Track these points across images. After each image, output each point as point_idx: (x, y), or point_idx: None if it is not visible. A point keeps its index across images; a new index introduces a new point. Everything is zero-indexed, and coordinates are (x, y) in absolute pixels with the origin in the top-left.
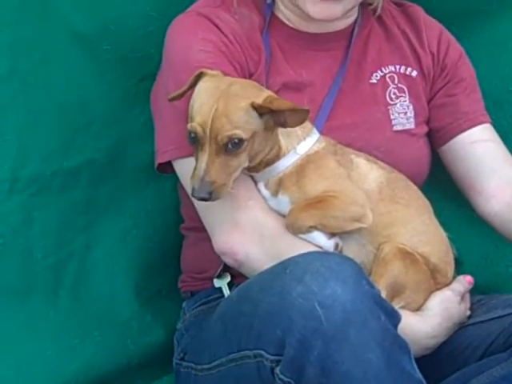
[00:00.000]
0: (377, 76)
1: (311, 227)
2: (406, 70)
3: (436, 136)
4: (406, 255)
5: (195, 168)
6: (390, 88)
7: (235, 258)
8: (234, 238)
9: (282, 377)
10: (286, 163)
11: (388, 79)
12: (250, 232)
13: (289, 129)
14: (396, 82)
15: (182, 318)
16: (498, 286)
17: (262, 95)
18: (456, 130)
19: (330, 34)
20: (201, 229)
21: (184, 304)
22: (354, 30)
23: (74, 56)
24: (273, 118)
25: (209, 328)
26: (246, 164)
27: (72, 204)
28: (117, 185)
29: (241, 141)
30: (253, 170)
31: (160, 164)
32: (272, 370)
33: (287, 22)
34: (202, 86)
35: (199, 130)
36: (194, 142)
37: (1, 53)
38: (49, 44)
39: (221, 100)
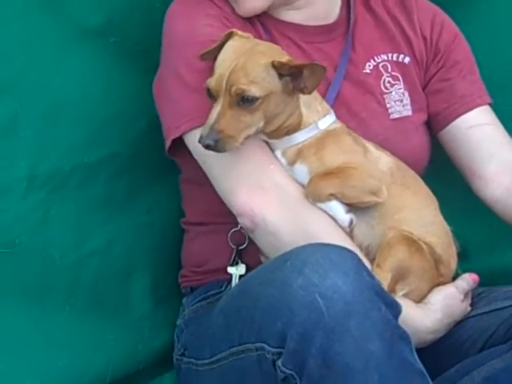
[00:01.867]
0: (370, 66)
1: (331, 195)
2: (398, 57)
3: (434, 122)
4: (411, 242)
5: (208, 117)
6: (384, 77)
7: (252, 219)
8: (255, 200)
9: (283, 369)
10: (306, 135)
11: (381, 68)
12: (272, 195)
13: (310, 101)
14: (389, 70)
15: (181, 313)
16: (503, 276)
17: (285, 57)
18: (452, 115)
19: (321, 27)
20: (201, 223)
21: (184, 300)
22: (347, 21)
23: (88, 50)
24: (292, 81)
25: (210, 322)
26: (261, 124)
27: (91, 199)
28: (134, 178)
29: (254, 96)
30: (273, 136)
31: (170, 148)
32: (273, 362)
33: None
34: (229, 43)
35: (213, 84)
36: (210, 97)
37: (16, 46)
38: (61, 38)
39: (243, 56)
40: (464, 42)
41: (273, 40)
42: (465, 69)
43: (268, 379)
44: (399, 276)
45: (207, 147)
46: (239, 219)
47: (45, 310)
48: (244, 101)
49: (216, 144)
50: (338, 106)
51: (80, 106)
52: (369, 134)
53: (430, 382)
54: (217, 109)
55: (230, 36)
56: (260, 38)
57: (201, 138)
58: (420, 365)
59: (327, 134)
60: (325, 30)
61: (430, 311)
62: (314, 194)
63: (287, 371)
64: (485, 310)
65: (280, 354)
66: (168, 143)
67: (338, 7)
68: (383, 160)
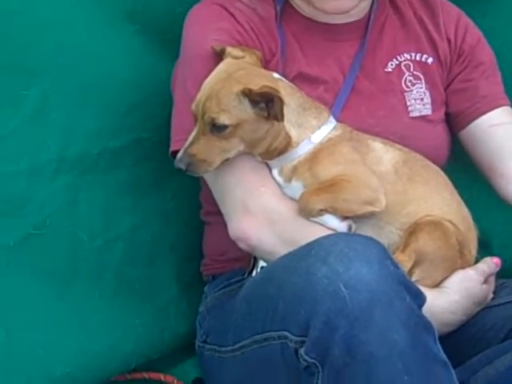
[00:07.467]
0: (392, 64)
1: (322, 210)
2: (421, 57)
3: (455, 121)
4: (436, 228)
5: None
6: (406, 76)
7: (248, 242)
8: (246, 224)
9: (306, 358)
10: (299, 151)
11: (403, 67)
12: (261, 217)
13: (302, 119)
14: (411, 69)
15: (203, 301)
16: None
17: (260, 84)
18: (475, 114)
19: (345, 24)
20: (219, 213)
21: (206, 288)
22: (369, 19)
23: (115, 36)
24: (267, 109)
25: (232, 310)
26: (241, 148)
27: (118, 183)
28: (160, 164)
29: (224, 124)
30: (265, 158)
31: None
32: (296, 351)
33: (301, 12)
34: (220, 65)
35: (194, 108)
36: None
37: (46, 30)
38: (91, 23)
39: (220, 82)
40: (487, 46)
41: (290, 48)
42: (487, 71)
43: (290, 368)
44: (415, 262)
45: (179, 170)
46: (237, 243)
47: (75, 293)
48: (215, 128)
49: (188, 168)
50: (357, 103)
51: (108, 91)
52: (387, 131)
53: (452, 371)
54: (193, 133)
55: (223, 52)
56: (275, 49)
57: (175, 160)
58: (443, 355)
59: (321, 148)
60: (349, 28)
61: (445, 293)
62: (305, 211)
63: (310, 360)
64: (508, 299)
65: (303, 342)
66: (170, 151)
67: (368, 5)
68: (388, 156)
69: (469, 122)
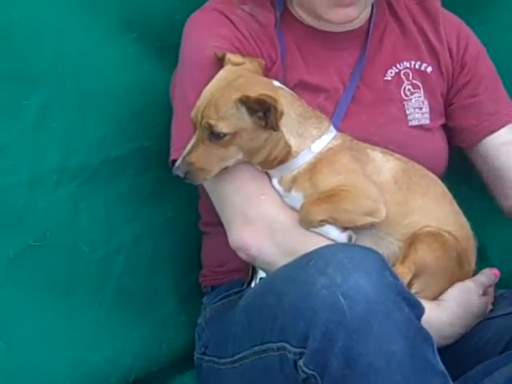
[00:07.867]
0: (391, 73)
1: (322, 221)
2: (420, 65)
3: (461, 136)
4: (435, 239)
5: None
6: (405, 84)
7: (248, 252)
8: (246, 233)
9: (305, 369)
10: (300, 161)
11: (402, 76)
12: (261, 226)
13: (301, 129)
14: (410, 78)
15: (202, 312)
16: None
17: (259, 92)
18: (483, 132)
19: (345, 33)
20: (218, 223)
21: (204, 299)
22: (369, 27)
23: (115, 44)
24: (265, 118)
25: (232, 321)
26: (240, 157)
27: (119, 193)
28: (160, 174)
29: (222, 132)
30: (265, 167)
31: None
32: (295, 362)
33: (301, 20)
34: (220, 72)
35: (193, 116)
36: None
37: (47, 38)
38: (91, 32)
39: (220, 90)
40: (488, 58)
41: (290, 55)
42: (491, 84)
43: (289, 380)
44: (414, 273)
45: (178, 177)
46: (237, 253)
47: (75, 305)
48: (214, 135)
49: (186, 175)
50: (358, 112)
51: (108, 99)
52: (387, 140)
53: (451, 383)
54: (192, 141)
55: (223, 59)
56: (275, 56)
57: (174, 168)
58: (442, 366)
59: (321, 157)
60: (349, 37)
61: (444, 305)
62: (305, 221)
63: (309, 371)
64: (507, 310)
65: (302, 354)
66: (170, 159)
67: (368, 13)
68: (388, 166)
69: (479, 140)
